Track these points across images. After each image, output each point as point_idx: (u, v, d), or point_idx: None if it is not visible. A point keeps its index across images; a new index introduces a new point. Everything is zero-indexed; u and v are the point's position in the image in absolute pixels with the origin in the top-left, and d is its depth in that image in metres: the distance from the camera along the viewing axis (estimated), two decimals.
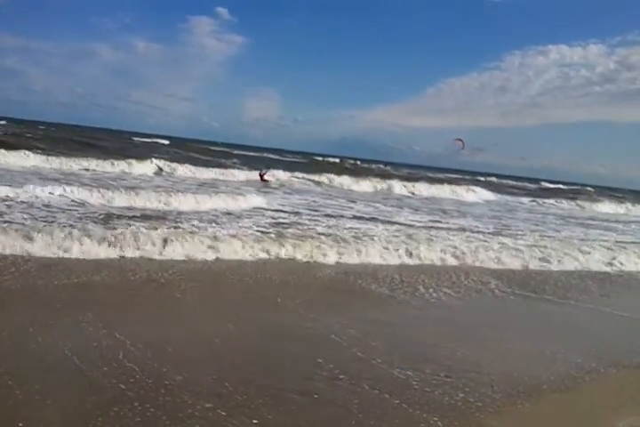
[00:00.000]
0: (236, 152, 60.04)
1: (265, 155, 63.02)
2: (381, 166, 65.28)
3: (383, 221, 17.39)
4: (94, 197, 14.82)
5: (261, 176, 30.32)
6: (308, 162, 56.87)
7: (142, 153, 36.05)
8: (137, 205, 14.79)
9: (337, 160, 62.55)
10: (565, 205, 42.79)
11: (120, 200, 14.93)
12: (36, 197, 13.94)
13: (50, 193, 14.61)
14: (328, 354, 5.96)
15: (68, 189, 15.36)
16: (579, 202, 44.59)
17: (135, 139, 61.14)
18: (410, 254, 11.77)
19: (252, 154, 61.33)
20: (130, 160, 28.03)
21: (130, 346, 5.57)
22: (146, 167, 27.71)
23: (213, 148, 62.73)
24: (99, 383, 4.70)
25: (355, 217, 17.92)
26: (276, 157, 62.49)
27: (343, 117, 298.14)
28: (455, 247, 12.58)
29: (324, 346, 6.27)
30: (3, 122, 56.47)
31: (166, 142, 59.35)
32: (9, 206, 12.33)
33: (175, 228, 11.64)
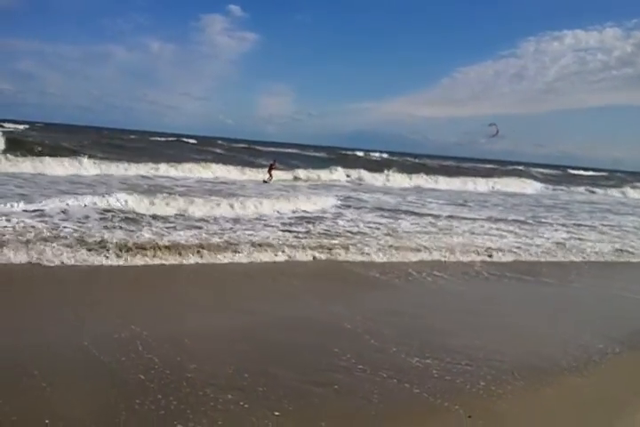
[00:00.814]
0: (263, 149, 58.00)
1: (289, 150, 61.57)
2: (410, 159, 64.13)
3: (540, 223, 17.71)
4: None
5: (270, 169, 27.69)
6: (338, 157, 55.14)
7: (196, 155, 36.40)
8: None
9: (361, 154, 61.31)
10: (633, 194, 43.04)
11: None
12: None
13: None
14: (346, 345, 5.97)
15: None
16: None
17: (161, 139, 60.08)
18: None
19: (274, 150, 59.83)
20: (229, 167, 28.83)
21: (150, 340, 5.64)
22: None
23: (235, 145, 61.66)
24: (121, 377, 4.77)
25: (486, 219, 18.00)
26: (299, 151, 61.57)
27: (357, 110, 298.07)
28: None
29: (341, 337, 6.28)
30: (23, 126, 56.39)
31: (194, 142, 59.17)
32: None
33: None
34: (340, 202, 18.71)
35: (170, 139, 61.24)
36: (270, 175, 27.30)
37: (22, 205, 11.59)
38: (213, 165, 28.72)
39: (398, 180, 34.17)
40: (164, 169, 26.20)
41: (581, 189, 44.66)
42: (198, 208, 13.76)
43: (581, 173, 69.54)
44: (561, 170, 69.50)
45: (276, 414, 4.28)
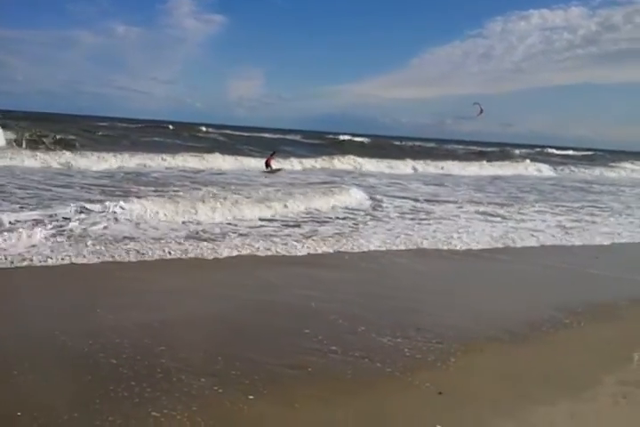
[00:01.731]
0: (243, 134, 56.03)
1: (269, 135, 59.98)
2: (397, 143, 63.08)
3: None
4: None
5: (268, 162, 26.22)
6: (328, 142, 53.06)
7: (191, 143, 36.32)
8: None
9: (346, 137, 58.58)
10: None
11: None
12: None
13: None
14: (318, 327, 6.02)
15: None
16: None
17: (135, 125, 57.01)
18: None
19: (255, 135, 57.93)
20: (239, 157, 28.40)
21: (121, 327, 5.62)
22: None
23: (221, 131, 59.61)
24: (93, 365, 4.74)
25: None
26: (282, 136, 59.18)
27: (328, 93, 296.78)
28: None
29: (313, 320, 6.32)
30: None
31: (171, 127, 57.71)
32: None
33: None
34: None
35: (140, 125, 58.69)
36: (270, 166, 25.91)
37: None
38: (218, 155, 28.00)
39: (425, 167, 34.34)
40: (182, 160, 25.60)
41: (596, 170, 45.45)
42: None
43: (564, 152, 69.80)
44: (537, 149, 69.42)
45: (250, 397, 4.31)
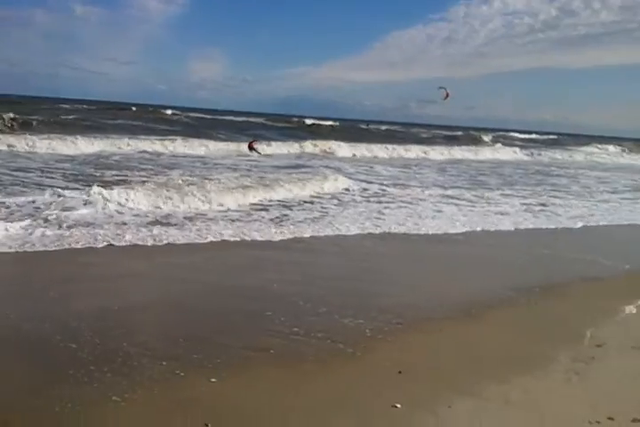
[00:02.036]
0: (207, 117, 54.70)
1: (231, 118, 58.44)
2: (362, 126, 61.55)
3: None
4: None
5: (250, 145, 25.85)
6: (298, 126, 51.63)
7: (164, 126, 35.90)
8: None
9: (310, 121, 56.11)
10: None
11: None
12: None
13: None
14: (280, 309, 6.06)
15: None
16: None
17: (100, 108, 55.83)
18: None
19: (223, 118, 56.55)
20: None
21: (80, 311, 5.58)
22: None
23: (191, 114, 58.33)
24: (51, 349, 4.72)
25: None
26: (246, 119, 57.43)
27: (292, 76, 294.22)
28: None
29: (275, 302, 6.36)
30: None
31: (134, 109, 56.20)
32: None
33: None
34: None
35: (102, 107, 57.24)
36: (255, 149, 25.49)
37: None
38: (192, 140, 27.68)
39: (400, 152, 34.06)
40: (149, 143, 25.04)
41: (564, 154, 46.38)
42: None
43: (528, 136, 70.56)
44: (500, 133, 69.61)
45: (213, 380, 4.33)
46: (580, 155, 48.40)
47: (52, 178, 14.31)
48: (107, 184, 12.33)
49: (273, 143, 30.25)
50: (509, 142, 53.72)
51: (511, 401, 4.26)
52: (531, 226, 12.36)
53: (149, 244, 8.47)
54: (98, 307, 5.81)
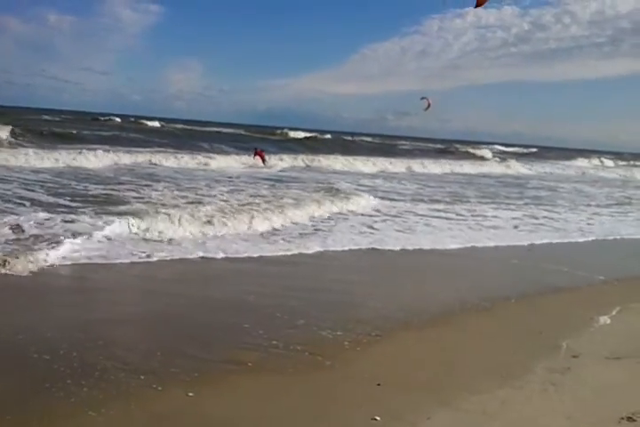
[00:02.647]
0: (195, 128, 55.46)
1: (220, 129, 58.71)
2: (349, 138, 62.70)
3: None
4: None
5: (260, 156, 25.43)
6: (287, 139, 51.43)
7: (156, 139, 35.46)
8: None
9: (299, 134, 56.90)
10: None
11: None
12: None
13: None
14: (257, 322, 6.05)
15: None
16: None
17: (82, 118, 55.75)
18: None
19: (208, 130, 56.26)
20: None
21: (58, 325, 5.50)
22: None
23: (175, 125, 57.82)
24: (26, 361, 4.66)
25: None
26: (233, 131, 58.66)
27: (270, 87, 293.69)
28: None
29: (252, 315, 6.35)
30: None
31: (118, 120, 55.97)
32: None
33: None
34: None
35: (80, 118, 56.90)
36: (264, 160, 25.50)
37: None
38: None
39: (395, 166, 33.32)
40: (147, 156, 24.41)
41: (570, 171, 46.07)
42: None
43: (510, 149, 71.66)
44: (483, 146, 69.76)
45: (190, 394, 4.29)
46: (571, 169, 48.80)
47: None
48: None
49: (273, 156, 29.69)
50: (502, 156, 54.58)
51: (489, 412, 4.28)
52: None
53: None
54: (75, 319, 5.74)
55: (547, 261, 10.26)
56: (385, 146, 56.66)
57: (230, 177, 21.11)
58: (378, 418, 4.08)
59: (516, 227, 14.30)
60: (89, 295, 6.77)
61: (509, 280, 8.99)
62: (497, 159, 48.98)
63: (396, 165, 33.49)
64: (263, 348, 5.34)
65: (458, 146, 64.01)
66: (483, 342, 6.04)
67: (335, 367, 5.04)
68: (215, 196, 14.86)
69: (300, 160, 30.46)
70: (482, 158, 49.74)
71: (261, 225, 11.35)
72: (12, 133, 28.12)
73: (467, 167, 37.76)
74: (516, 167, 42.55)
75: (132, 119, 62.29)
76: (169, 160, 24.75)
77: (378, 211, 15.03)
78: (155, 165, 23.65)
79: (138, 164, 23.21)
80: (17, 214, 10.22)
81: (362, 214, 14.19)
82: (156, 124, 58.25)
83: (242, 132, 58.04)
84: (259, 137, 50.97)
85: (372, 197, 16.93)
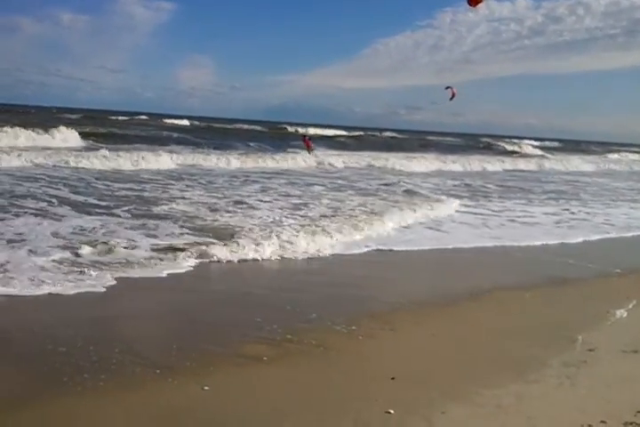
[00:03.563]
0: (226, 126, 57.37)
1: (246, 126, 60.13)
2: (377, 134, 62.65)
3: None
4: None
5: (307, 144, 26.45)
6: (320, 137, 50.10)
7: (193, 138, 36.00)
8: None
9: (320, 131, 58.05)
10: None
11: None
12: None
13: None
14: (272, 317, 6.07)
15: None
16: None
17: (112, 117, 56.18)
18: None
19: (238, 127, 58.39)
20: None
21: (73, 320, 5.56)
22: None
23: (202, 123, 59.31)
24: (43, 355, 4.74)
25: None
26: (252, 127, 59.66)
27: (282, 82, 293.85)
28: None
29: (266, 309, 6.38)
30: None
31: (145, 118, 56.90)
32: None
33: None
34: None
35: (123, 117, 57.52)
36: (309, 147, 26.50)
37: None
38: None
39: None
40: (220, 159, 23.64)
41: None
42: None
43: (535, 142, 70.21)
44: (515, 140, 68.51)
45: (206, 388, 4.33)
46: (621, 164, 46.83)
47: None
48: None
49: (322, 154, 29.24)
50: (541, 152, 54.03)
51: (503, 406, 4.27)
52: None
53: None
54: (87, 315, 5.80)
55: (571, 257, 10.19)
56: (414, 141, 56.55)
57: (305, 180, 19.82)
58: (392, 411, 4.08)
59: None
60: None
61: (529, 274, 8.91)
62: (548, 155, 48.24)
63: (448, 163, 31.58)
64: (277, 342, 5.36)
65: (488, 140, 63.58)
66: (498, 335, 6.02)
67: (349, 361, 5.06)
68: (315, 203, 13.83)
69: (353, 159, 29.25)
70: (527, 155, 48.58)
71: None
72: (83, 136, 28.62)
73: (521, 164, 36.80)
74: (575, 163, 41.43)
75: (158, 118, 63.48)
76: (231, 162, 23.78)
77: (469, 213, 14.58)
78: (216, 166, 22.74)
79: (211, 166, 22.61)
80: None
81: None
82: (186, 122, 59.70)
83: (264, 128, 59.62)
84: (289, 134, 52.19)
85: (452, 199, 16.14)
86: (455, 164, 32.07)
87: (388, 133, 64.83)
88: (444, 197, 16.56)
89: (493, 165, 34.34)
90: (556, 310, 7.04)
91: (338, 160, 27.70)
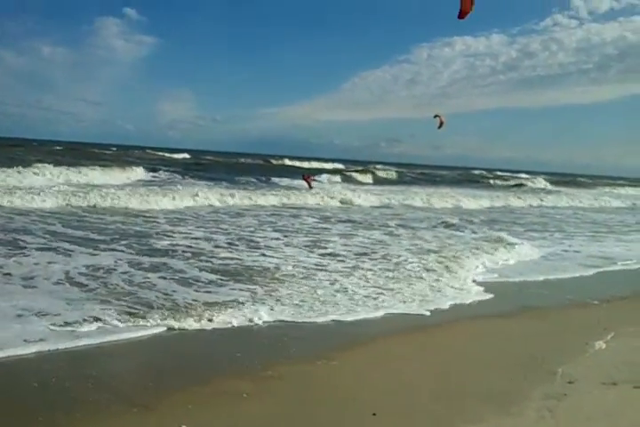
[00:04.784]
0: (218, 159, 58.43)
1: (241, 160, 61.16)
2: (386, 167, 63.34)
3: None
4: None
5: (307, 180, 28.13)
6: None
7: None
8: None
9: (314, 164, 59.69)
10: None
11: None
12: None
13: None
14: (252, 350, 6.03)
15: None
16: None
17: (96, 150, 55.65)
18: None
19: (232, 161, 59.10)
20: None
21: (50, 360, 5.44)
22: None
23: (177, 155, 59.09)
24: (18, 398, 4.58)
25: None
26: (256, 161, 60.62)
27: (263, 115, 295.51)
28: None
29: (245, 342, 6.33)
30: None
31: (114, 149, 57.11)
32: None
33: None
34: None
35: (108, 151, 56.94)
36: (310, 184, 28.26)
37: None
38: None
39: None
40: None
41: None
42: None
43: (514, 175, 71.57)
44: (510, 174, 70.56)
45: None
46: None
47: None
48: None
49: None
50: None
51: None
52: None
53: None
54: (66, 355, 5.67)
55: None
56: (407, 174, 57.39)
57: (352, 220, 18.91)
58: None
59: None
60: None
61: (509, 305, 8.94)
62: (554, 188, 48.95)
63: (466, 202, 28.90)
64: (256, 378, 5.29)
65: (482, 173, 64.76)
66: (479, 367, 6.01)
67: (329, 397, 5.00)
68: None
69: (373, 196, 27.57)
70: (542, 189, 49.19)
71: None
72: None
73: (551, 200, 35.77)
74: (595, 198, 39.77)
75: (150, 150, 64.36)
76: (259, 198, 22.66)
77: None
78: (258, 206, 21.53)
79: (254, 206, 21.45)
80: None
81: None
82: (186, 155, 60.53)
83: (260, 161, 61.15)
84: (286, 166, 54.05)
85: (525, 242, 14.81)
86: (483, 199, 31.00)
87: (379, 166, 65.07)
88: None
89: (525, 201, 33.48)
90: (536, 341, 7.06)
91: (357, 197, 26.11)
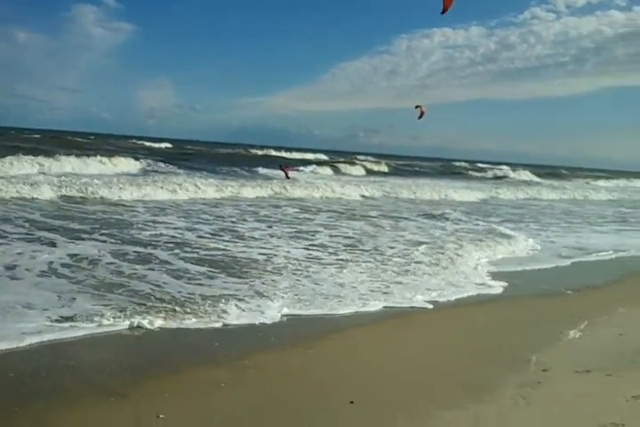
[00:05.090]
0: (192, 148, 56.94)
1: (223, 150, 59.26)
2: (371, 158, 62.90)
3: None
4: None
5: (285, 171, 27.16)
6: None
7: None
8: None
9: (296, 155, 57.87)
10: None
11: None
12: None
13: None
14: (229, 340, 6.03)
15: None
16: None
17: (77, 139, 54.01)
18: None
19: (201, 149, 57.63)
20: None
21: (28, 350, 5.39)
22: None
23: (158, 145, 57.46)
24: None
25: None
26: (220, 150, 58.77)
27: (243, 105, 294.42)
28: None
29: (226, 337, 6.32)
30: None
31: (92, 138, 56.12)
32: None
33: None
34: None
35: (79, 139, 54.75)
36: (287, 175, 27.00)
37: None
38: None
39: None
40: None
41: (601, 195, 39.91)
42: None
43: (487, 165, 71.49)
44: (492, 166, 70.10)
45: (162, 416, 4.23)
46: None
47: None
48: None
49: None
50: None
51: None
52: None
53: None
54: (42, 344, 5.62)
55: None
56: (395, 166, 56.78)
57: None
58: None
59: None
60: None
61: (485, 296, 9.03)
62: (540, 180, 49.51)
63: (461, 193, 29.06)
64: (235, 368, 5.30)
65: (463, 164, 64.85)
66: (454, 356, 6.09)
67: (306, 386, 5.03)
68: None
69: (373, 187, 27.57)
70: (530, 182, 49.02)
71: None
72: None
73: (545, 193, 35.79)
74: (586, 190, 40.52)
75: (131, 140, 63.01)
76: (254, 190, 22.39)
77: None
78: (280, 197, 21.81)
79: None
80: None
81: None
82: (168, 144, 59.52)
83: (242, 151, 60.52)
84: (268, 155, 53.69)
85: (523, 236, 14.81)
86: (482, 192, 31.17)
87: (362, 157, 64.52)
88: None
89: (514, 194, 33.36)
90: (511, 330, 7.16)
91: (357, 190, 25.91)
